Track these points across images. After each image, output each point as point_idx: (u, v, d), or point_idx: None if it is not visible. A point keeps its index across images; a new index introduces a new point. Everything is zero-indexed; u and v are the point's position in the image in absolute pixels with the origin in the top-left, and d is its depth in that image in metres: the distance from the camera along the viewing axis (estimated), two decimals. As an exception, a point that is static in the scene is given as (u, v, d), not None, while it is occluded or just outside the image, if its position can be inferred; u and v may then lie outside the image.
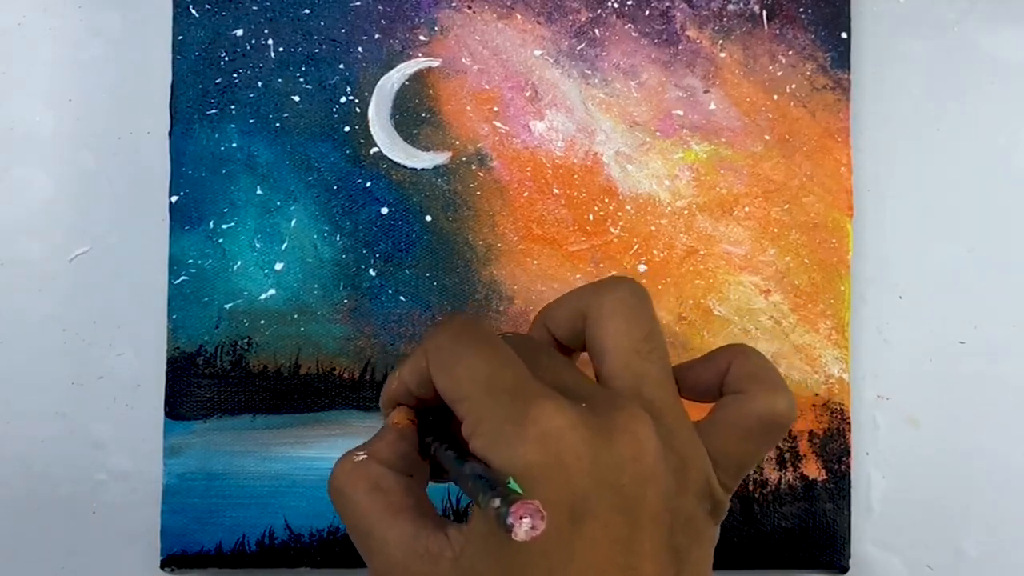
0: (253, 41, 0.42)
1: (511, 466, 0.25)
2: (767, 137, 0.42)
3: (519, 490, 0.24)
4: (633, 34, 0.42)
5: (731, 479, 0.29)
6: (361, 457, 0.29)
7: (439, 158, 0.42)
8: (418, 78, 0.42)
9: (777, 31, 0.42)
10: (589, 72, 0.42)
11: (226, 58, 0.41)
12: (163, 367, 0.41)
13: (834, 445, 0.42)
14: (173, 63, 0.41)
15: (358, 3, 0.42)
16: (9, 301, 0.42)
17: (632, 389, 0.28)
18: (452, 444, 0.29)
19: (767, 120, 0.42)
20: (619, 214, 0.42)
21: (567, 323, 0.31)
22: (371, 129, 0.42)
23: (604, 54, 0.42)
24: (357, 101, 0.42)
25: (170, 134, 0.41)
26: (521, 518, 0.23)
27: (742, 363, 0.30)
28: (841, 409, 0.42)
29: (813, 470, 0.42)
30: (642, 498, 0.26)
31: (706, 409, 0.30)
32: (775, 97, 0.42)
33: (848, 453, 0.42)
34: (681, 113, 0.42)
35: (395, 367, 0.32)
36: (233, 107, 0.41)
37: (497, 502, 0.23)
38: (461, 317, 0.30)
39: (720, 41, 0.42)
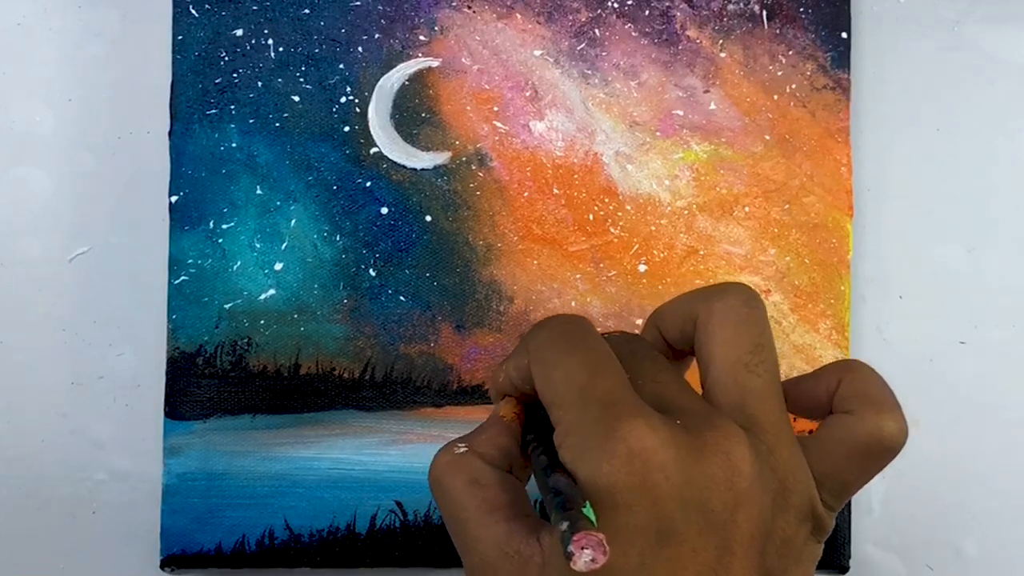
0: (253, 41, 0.42)
1: (595, 482, 0.24)
2: (767, 137, 0.42)
3: (592, 517, 0.23)
4: (633, 34, 0.42)
5: (835, 500, 0.28)
6: (461, 449, 0.28)
7: (439, 158, 0.42)
8: (418, 78, 0.42)
9: (777, 31, 0.42)
10: (589, 72, 0.42)
11: (226, 58, 0.41)
12: (163, 367, 0.41)
13: (834, 445, 0.42)
14: (173, 63, 0.41)
15: (358, 3, 0.42)
16: (9, 301, 0.42)
17: (735, 402, 0.27)
18: (551, 446, 0.27)
19: (767, 120, 0.42)
20: (619, 214, 0.42)
21: (677, 327, 0.30)
22: (371, 129, 0.42)
23: (604, 54, 0.42)
24: (357, 101, 0.42)
25: (170, 134, 0.41)
26: (582, 548, 0.22)
27: (852, 380, 0.29)
28: (841, 409, 0.42)
29: (813, 470, 0.41)
30: (733, 521, 0.25)
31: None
32: (775, 97, 0.42)
33: (848, 453, 0.42)
34: (681, 113, 0.42)
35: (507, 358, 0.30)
36: (233, 107, 0.41)
37: (564, 525, 0.23)
38: (566, 316, 0.29)
39: (720, 41, 0.42)
